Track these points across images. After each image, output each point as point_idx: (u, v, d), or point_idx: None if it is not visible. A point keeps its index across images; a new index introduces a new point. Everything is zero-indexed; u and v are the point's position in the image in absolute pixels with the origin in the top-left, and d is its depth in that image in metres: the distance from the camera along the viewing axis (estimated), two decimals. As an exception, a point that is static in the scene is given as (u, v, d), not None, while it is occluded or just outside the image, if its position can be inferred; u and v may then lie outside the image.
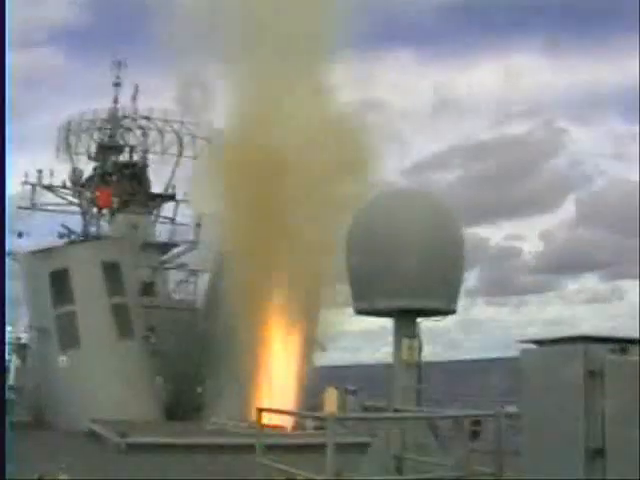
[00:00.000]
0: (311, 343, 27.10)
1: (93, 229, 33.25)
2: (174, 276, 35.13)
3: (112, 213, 33.98)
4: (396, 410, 10.85)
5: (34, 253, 29.43)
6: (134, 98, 34.29)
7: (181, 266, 34.94)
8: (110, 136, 34.52)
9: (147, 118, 34.22)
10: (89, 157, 34.39)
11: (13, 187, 32.19)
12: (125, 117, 34.35)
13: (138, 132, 34.75)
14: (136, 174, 34.72)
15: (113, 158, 34.52)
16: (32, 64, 47.52)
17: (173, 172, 35.32)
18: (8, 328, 27.12)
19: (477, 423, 11.58)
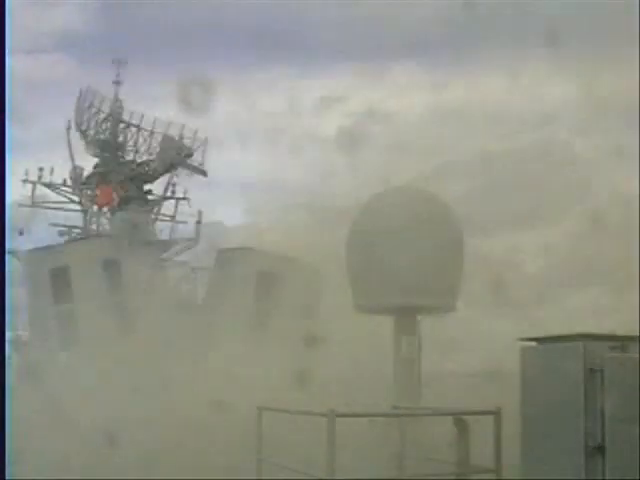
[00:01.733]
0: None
1: (93, 227, 33.26)
2: (174, 274, 35.11)
3: (112, 211, 33.96)
4: (396, 407, 10.86)
5: (34, 251, 29.47)
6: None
7: (181, 264, 34.92)
8: (111, 134, 34.50)
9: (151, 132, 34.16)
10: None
11: (14, 188, 32.10)
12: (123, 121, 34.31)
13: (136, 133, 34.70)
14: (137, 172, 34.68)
15: (114, 156, 34.49)
16: (40, 69, 47.44)
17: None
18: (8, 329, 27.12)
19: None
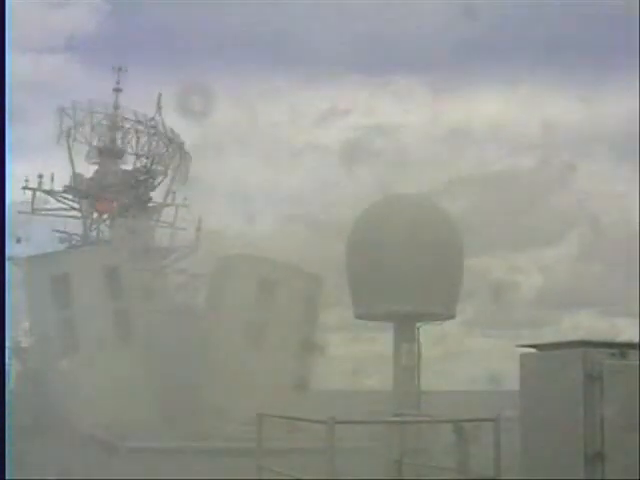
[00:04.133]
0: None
1: (93, 234, 33.29)
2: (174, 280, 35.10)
3: (112, 218, 33.98)
4: (397, 414, 10.88)
5: (35, 258, 29.44)
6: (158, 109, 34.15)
7: (181, 270, 34.91)
8: (111, 141, 34.54)
9: (153, 126, 34.21)
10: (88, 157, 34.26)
11: (14, 193, 32.11)
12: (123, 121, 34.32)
13: (138, 137, 34.71)
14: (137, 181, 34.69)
15: (114, 164, 34.52)
16: (45, 71, 47.70)
17: (173, 178, 35.34)
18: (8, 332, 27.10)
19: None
